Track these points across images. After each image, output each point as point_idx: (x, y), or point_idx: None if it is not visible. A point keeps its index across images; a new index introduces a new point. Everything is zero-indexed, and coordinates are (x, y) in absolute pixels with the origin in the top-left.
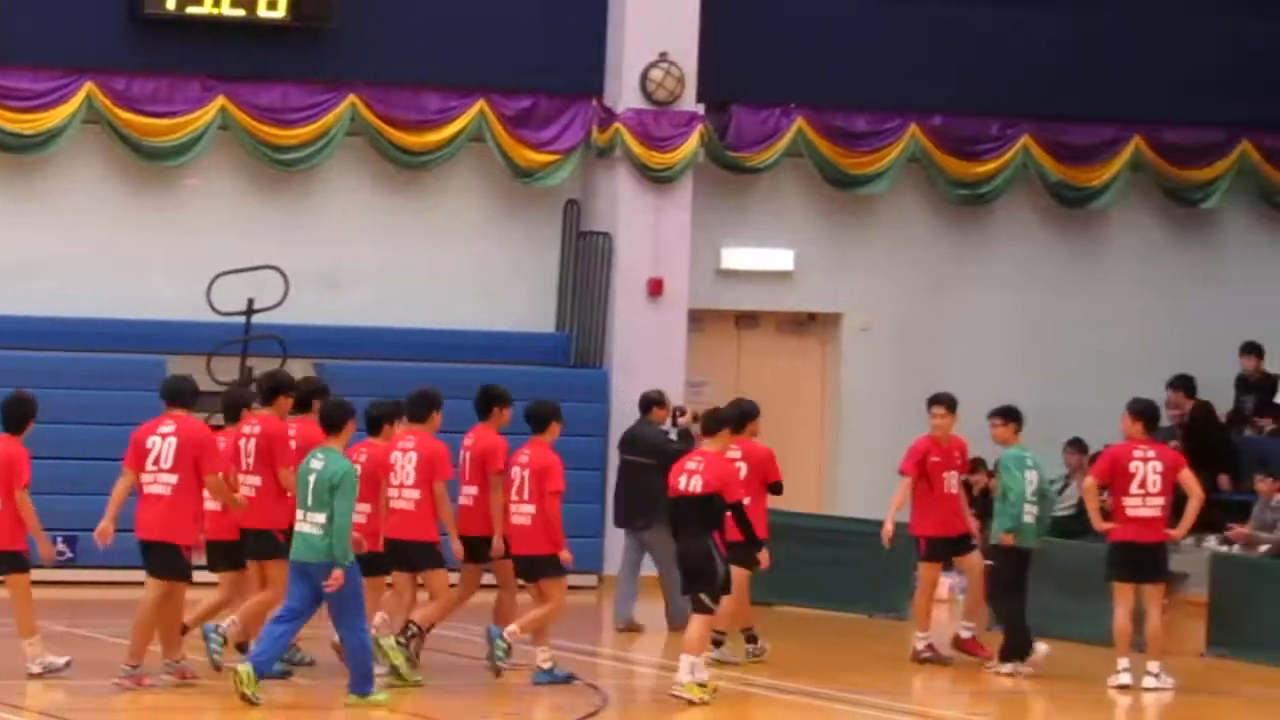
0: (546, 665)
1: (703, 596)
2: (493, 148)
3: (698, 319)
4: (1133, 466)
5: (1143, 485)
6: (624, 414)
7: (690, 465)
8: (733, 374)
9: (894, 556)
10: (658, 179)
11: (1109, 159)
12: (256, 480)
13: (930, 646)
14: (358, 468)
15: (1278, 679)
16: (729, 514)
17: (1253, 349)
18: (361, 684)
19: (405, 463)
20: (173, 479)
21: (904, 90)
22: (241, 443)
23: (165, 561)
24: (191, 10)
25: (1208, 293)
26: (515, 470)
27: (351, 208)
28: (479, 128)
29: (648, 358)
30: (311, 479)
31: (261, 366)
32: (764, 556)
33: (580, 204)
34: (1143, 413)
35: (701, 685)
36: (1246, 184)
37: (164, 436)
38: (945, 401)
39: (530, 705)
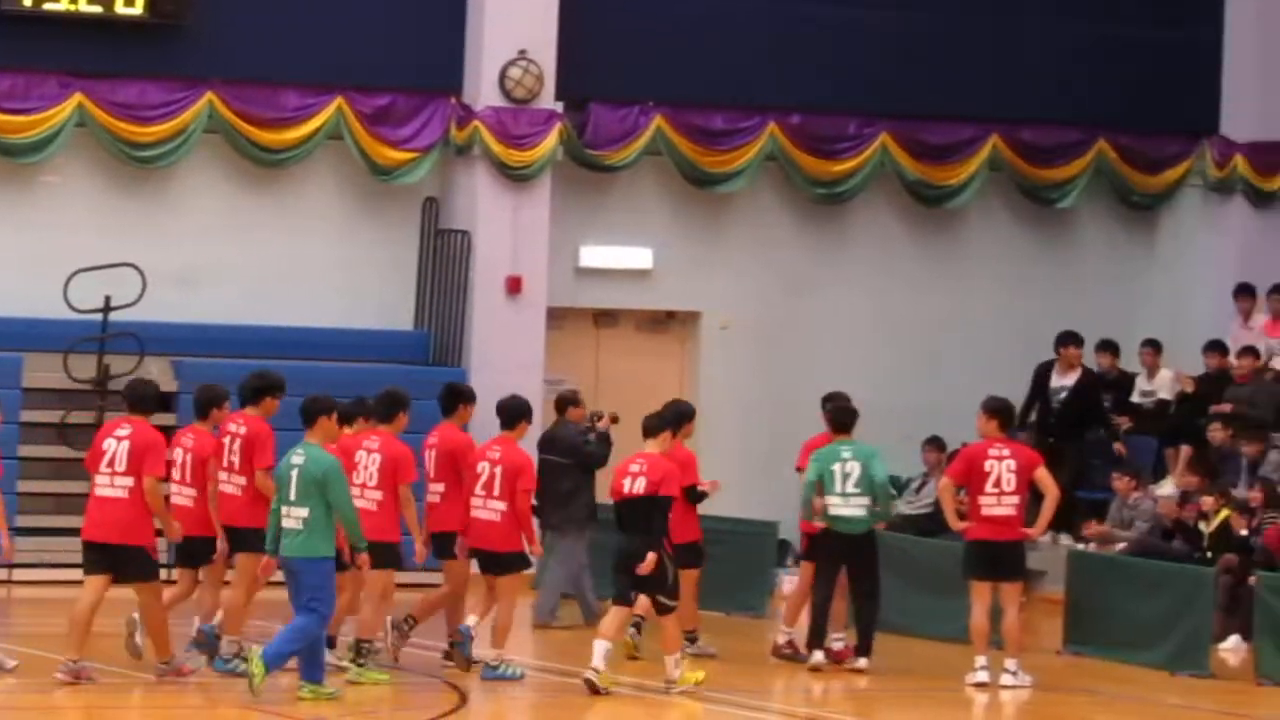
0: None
1: (660, 599)
2: (351, 145)
3: (556, 317)
4: (988, 465)
5: (998, 484)
6: (483, 411)
7: (633, 468)
8: (591, 372)
9: (753, 555)
10: (516, 177)
11: (967, 158)
12: (242, 480)
13: (791, 643)
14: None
15: (1134, 676)
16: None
17: (1108, 347)
18: (313, 672)
19: (369, 463)
20: (128, 481)
21: (762, 89)
22: (226, 440)
23: (135, 564)
24: (49, 6)
25: (1065, 291)
26: (483, 465)
27: (209, 205)
28: (337, 125)
29: (506, 356)
30: (294, 474)
31: (118, 364)
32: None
33: (439, 202)
34: (998, 411)
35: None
36: (1102, 183)
37: (119, 439)
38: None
39: (388, 704)
